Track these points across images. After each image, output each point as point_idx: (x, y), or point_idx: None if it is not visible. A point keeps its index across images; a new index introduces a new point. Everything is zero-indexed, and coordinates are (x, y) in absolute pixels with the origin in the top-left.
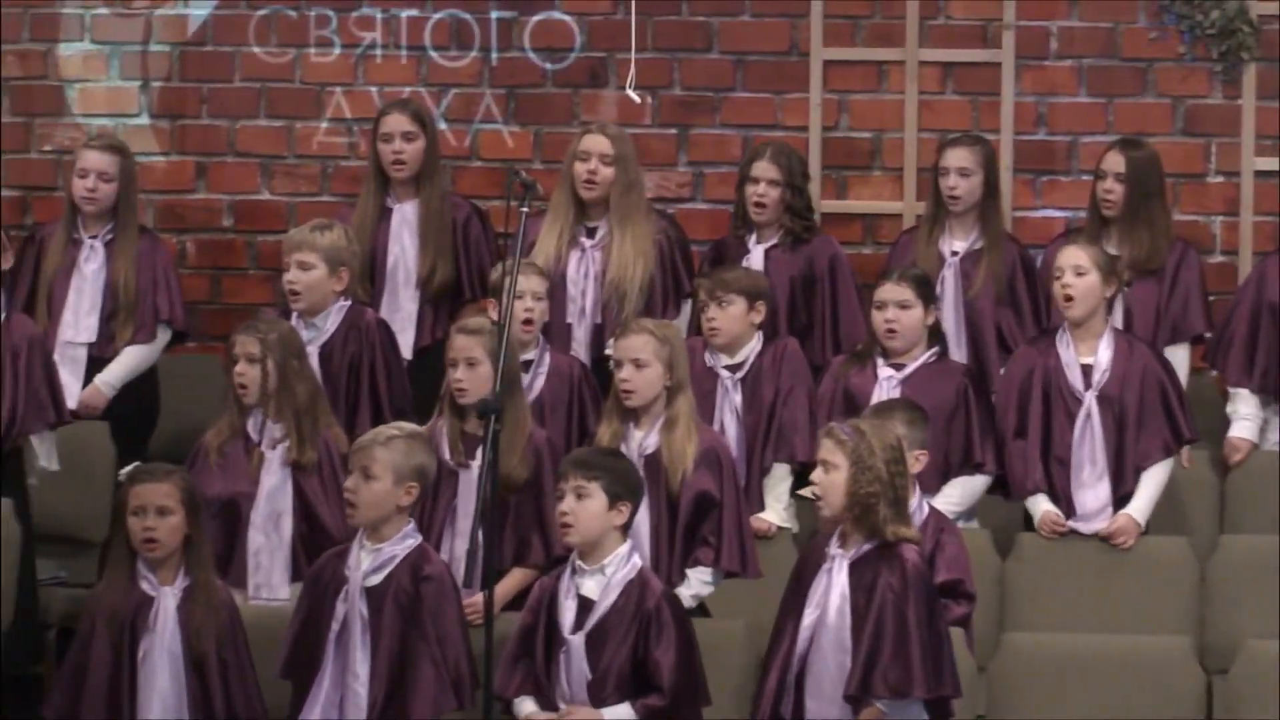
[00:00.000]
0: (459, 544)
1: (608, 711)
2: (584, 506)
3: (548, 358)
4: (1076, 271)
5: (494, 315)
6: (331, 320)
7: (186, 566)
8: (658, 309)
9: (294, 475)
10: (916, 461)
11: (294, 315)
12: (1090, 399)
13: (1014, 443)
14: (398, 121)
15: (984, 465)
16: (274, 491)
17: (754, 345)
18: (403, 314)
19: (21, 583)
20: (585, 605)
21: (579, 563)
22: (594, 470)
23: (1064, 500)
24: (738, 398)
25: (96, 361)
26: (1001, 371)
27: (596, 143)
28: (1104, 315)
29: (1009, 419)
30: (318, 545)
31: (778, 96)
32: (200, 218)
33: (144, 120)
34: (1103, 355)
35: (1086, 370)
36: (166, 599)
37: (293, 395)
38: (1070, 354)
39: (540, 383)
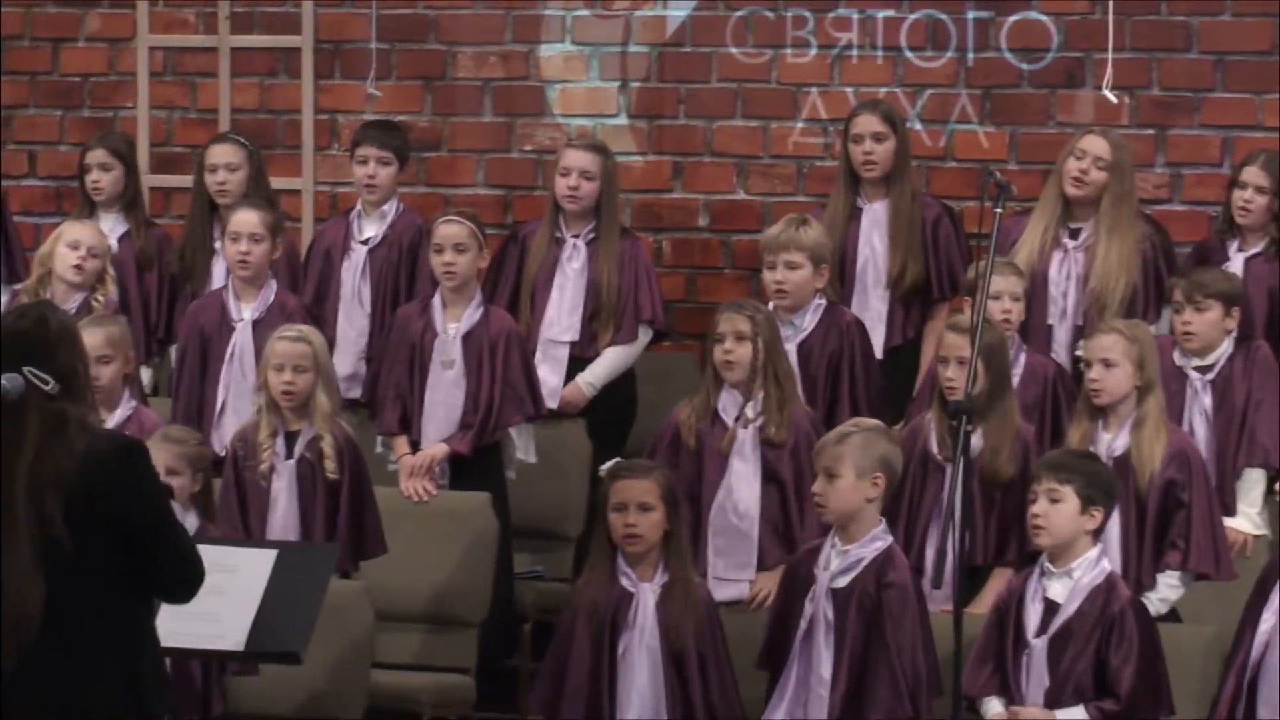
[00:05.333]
0: None
1: (1061, 713)
2: (1056, 510)
3: (1023, 358)
4: None
5: (969, 315)
6: (810, 318)
7: (665, 562)
8: (1138, 315)
9: (764, 453)
10: None
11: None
12: None
13: None
14: (868, 122)
15: None
16: (744, 469)
17: (1225, 348)
18: (872, 313)
19: (498, 577)
20: (1050, 608)
21: (1047, 565)
22: (1068, 473)
23: None
24: (1207, 400)
25: (577, 360)
26: None
27: (1095, 144)
28: None
29: None
30: (786, 530)
31: (1258, 97)
32: (676, 217)
33: (622, 120)
34: None
35: None
36: (645, 595)
37: (775, 374)
38: None
39: (1015, 383)
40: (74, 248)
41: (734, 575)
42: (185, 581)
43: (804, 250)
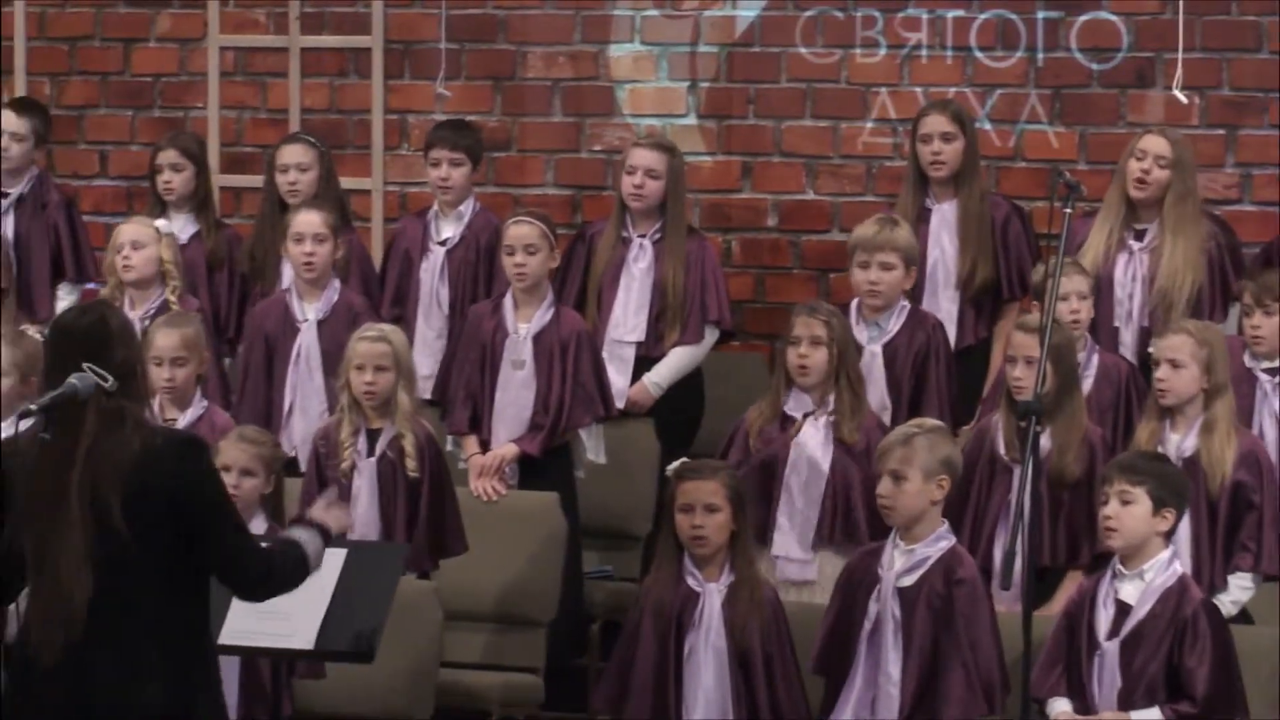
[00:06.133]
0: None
1: (1136, 714)
2: (1128, 512)
3: (1095, 358)
4: None
5: (1037, 315)
6: (895, 320)
7: (732, 563)
8: (1204, 314)
9: (835, 452)
10: None
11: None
12: None
13: None
14: (936, 122)
15: None
16: (811, 468)
17: None
18: (942, 314)
19: (567, 576)
20: (1123, 610)
21: (1119, 567)
22: (1140, 475)
23: None
24: (1277, 402)
25: (643, 360)
26: None
27: (1155, 144)
28: None
29: None
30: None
31: None
32: (745, 217)
33: (691, 120)
34: None
35: None
36: (711, 595)
37: (848, 378)
38: None
39: (1089, 384)
40: (118, 250)
41: (799, 554)
42: (250, 580)
43: (898, 250)
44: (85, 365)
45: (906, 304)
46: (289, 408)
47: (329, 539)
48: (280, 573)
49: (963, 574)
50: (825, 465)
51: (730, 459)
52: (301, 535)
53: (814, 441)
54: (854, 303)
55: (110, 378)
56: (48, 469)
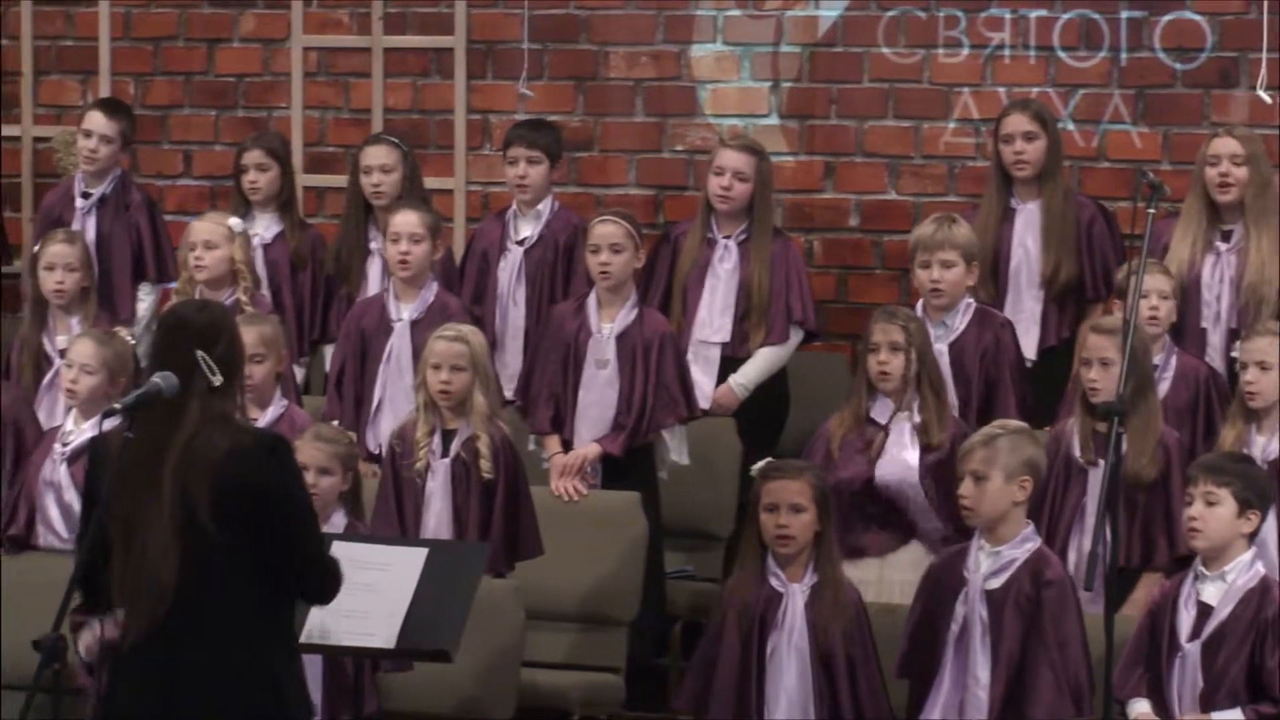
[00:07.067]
0: (1086, 541)
1: (1217, 715)
2: (1213, 513)
3: (1174, 360)
4: None
5: (1119, 315)
6: (961, 318)
7: (815, 563)
8: None
9: (923, 458)
10: None
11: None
12: None
13: None
14: (1019, 122)
15: None
16: (899, 455)
17: None
18: (1026, 314)
19: (649, 576)
20: (1204, 612)
21: (1201, 568)
22: (1225, 476)
23: None
24: None
25: (729, 361)
26: None
27: (1225, 145)
28: None
29: None
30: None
31: None
32: (827, 217)
33: (773, 120)
34: None
35: None
36: (795, 596)
37: (930, 382)
38: None
39: (1166, 385)
40: (191, 248)
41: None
42: (320, 582)
43: (958, 248)
44: (199, 355)
45: (972, 302)
46: (377, 405)
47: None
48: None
49: (1051, 575)
50: (914, 476)
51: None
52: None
53: (900, 450)
54: (919, 303)
55: (217, 372)
56: (142, 458)
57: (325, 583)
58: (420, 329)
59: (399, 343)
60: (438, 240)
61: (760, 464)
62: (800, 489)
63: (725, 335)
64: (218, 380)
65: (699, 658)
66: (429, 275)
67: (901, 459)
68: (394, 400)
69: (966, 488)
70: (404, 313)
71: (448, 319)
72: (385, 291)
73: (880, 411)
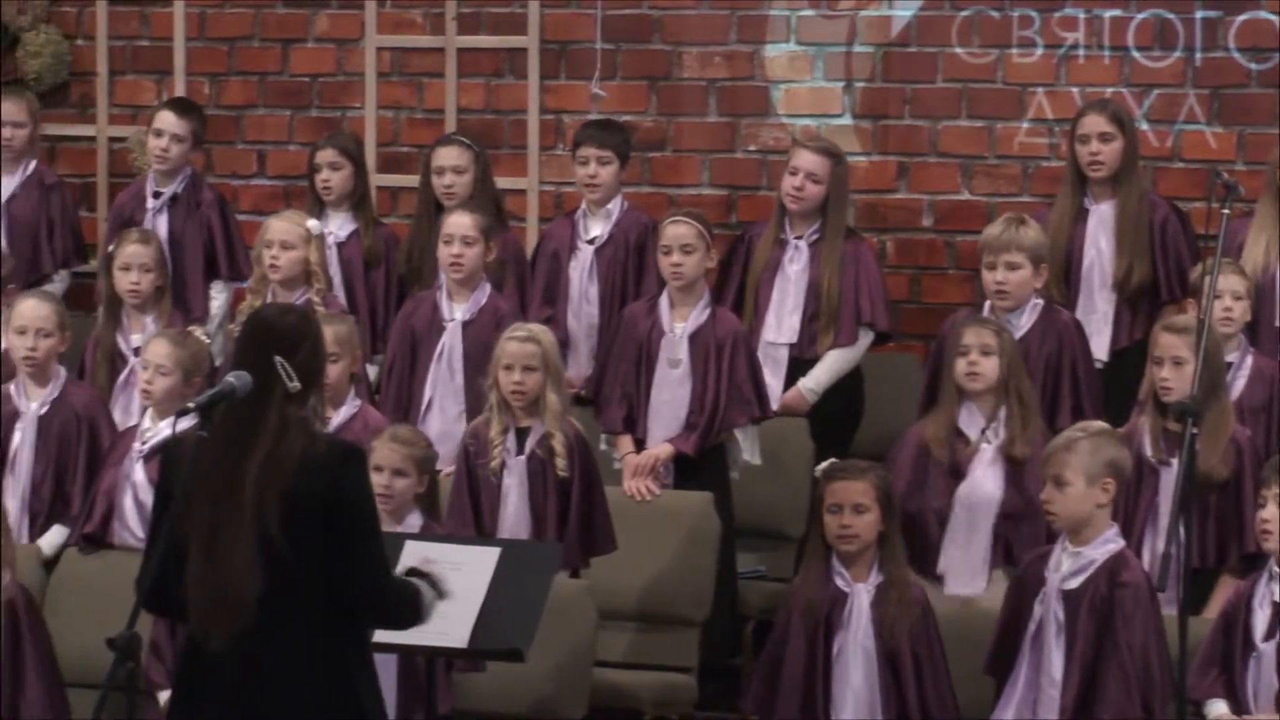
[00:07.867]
0: (1159, 541)
1: None
2: None
3: (1249, 359)
4: None
5: (1192, 314)
6: (1027, 318)
7: (880, 563)
8: None
9: (1006, 468)
10: None
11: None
12: None
13: None
14: (1095, 122)
15: None
16: (981, 484)
17: None
18: (1099, 315)
19: (721, 576)
20: (1279, 612)
21: (1276, 568)
22: None
23: None
24: None
25: (797, 363)
26: None
27: None
28: None
29: None
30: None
31: None
32: (901, 217)
33: (846, 120)
34: None
35: None
36: (860, 596)
37: (1019, 392)
38: None
39: (1241, 384)
40: (268, 246)
41: (969, 578)
42: (376, 603)
43: (1024, 250)
44: (278, 361)
45: (1039, 303)
46: (426, 404)
47: (440, 590)
48: (392, 609)
49: (1127, 577)
50: (994, 509)
51: (897, 469)
52: (421, 585)
53: (985, 481)
54: (986, 304)
55: (295, 379)
56: (223, 466)
57: (393, 615)
58: (471, 330)
59: (450, 343)
60: (491, 243)
61: (824, 464)
62: (863, 489)
63: (793, 336)
64: (295, 386)
65: (765, 658)
66: (481, 276)
67: (985, 489)
68: (443, 400)
69: (1049, 493)
70: (456, 313)
71: (499, 321)
72: (438, 290)
73: (968, 421)
